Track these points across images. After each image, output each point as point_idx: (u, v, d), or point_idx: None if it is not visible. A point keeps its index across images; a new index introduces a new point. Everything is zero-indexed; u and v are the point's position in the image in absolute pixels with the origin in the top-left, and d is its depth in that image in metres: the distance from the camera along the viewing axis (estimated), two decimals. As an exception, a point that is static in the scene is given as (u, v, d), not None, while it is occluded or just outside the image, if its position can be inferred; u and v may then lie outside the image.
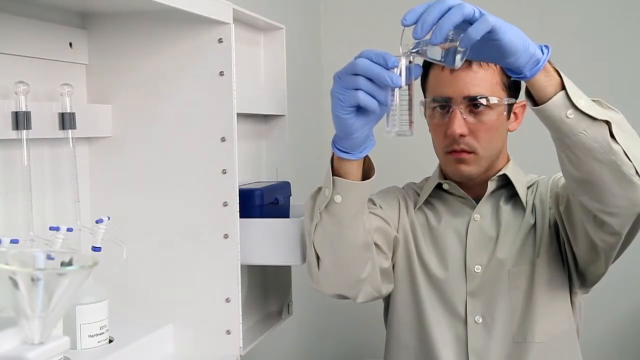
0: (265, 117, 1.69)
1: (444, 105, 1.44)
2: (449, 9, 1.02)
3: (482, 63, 1.42)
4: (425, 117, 1.48)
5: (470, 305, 1.48)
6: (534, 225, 1.48)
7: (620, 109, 1.23)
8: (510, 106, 1.47)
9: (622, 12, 2.48)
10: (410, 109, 1.11)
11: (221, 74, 1.30)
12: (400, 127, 1.11)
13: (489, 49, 1.07)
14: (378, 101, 1.09)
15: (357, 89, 1.09)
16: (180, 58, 1.32)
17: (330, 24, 2.69)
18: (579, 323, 1.54)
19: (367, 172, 1.24)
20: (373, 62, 1.08)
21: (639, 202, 1.23)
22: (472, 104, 1.42)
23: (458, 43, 1.04)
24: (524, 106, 1.51)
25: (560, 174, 1.45)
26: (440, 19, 1.01)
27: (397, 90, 1.10)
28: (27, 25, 1.18)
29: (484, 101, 1.42)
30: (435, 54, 1.07)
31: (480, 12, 1.04)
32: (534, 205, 1.50)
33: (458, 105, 1.42)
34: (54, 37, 1.25)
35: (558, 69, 1.16)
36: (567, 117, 1.14)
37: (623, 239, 1.34)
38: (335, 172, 1.22)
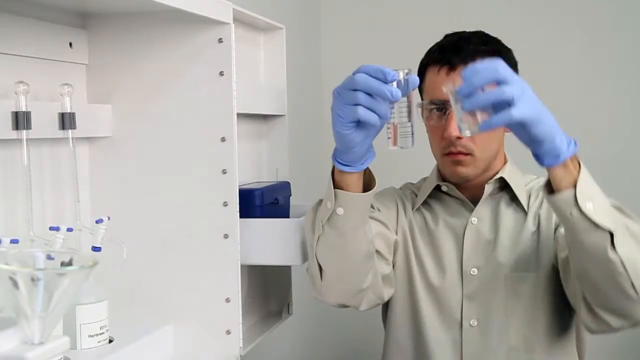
0: (265, 117, 1.69)
1: (441, 107, 1.44)
2: (498, 82, 1.05)
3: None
4: (423, 119, 1.48)
5: (466, 309, 1.47)
6: (538, 233, 1.46)
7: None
8: None
9: (622, 11, 2.49)
10: (410, 120, 1.12)
11: (221, 74, 1.30)
12: (401, 139, 1.13)
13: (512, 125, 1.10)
14: (378, 115, 1.10)
15: (356, 105, 1.09)
16: (180, 58, 1.32)
17: (330, 24, 2.69)
18: (583, 350, 1.51)
19: (368, 183, 1.25)
20: (372, 77, 1.08)
21: (634, 316, 1.23)
22: None
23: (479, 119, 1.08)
24: None
25: None
26: (482, 85, 1.05)
27: (396, 103, 1.11)
28: (27, 25, 1.18)
29: None
30: (459, 112, 1.09)
31: (518, 97, 1.05)
32: (538, 215, 1.48)
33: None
34: (54, 37, 1.25)
35: (581, 164, 1.15)
36: (571, 214, 1.14)
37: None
38: (336, 185, 1.23)
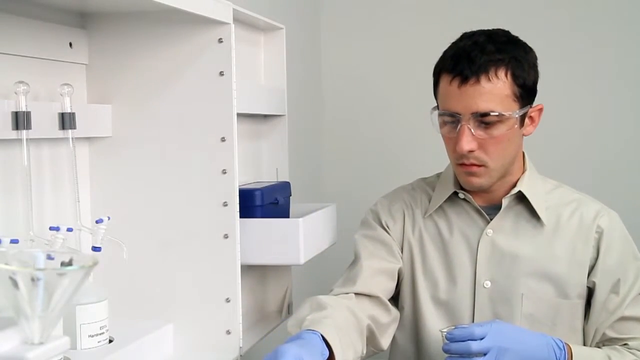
0: (265, 117, 1.69)
1: (453, 120, 1.38)
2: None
3: (491, 77, 1.35)
4: (438, 124, 1.42)
5: (477, 322, 1.42)
6: (570, 262, 1.43)
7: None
8: (523, 115, 1.41)
9: (622, 11, 2.49)
10: None
11: (221, 74, 1.30)
12: None
13: None
14: None
15: None
16: (180, 58, 1.32)
17: (330, 24, 2.69)
18: None
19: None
20: None
21: None
22: (481, 119, 1.36)
23: None
24: (540, 110, 1.44)
25: (610, 236, 1.44)
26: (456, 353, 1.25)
27: None
28: (27, 25, 1.18)
29: (494, 115, 1.35)
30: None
31: None
32: (575, 245, 1.44)
33: (467, 122, 1.35)
34: (54, 37, 1.25)
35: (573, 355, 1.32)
36: None
37: None
38: None
